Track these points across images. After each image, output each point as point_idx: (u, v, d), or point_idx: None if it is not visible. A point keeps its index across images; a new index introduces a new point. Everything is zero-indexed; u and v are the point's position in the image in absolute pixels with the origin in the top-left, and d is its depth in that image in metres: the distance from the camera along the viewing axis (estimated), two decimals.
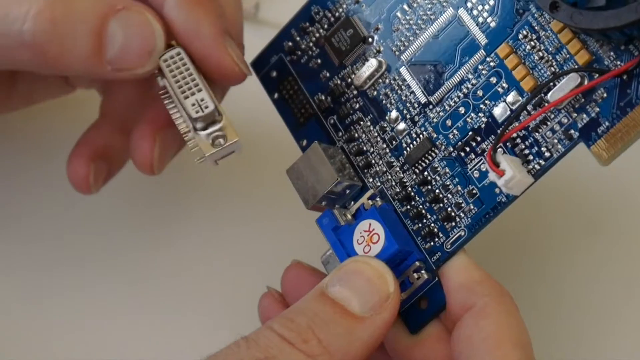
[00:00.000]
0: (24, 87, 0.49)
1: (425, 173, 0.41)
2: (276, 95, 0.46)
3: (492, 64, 0.40)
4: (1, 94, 0.48)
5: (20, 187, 0.53)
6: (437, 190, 0.41)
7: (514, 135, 0.39)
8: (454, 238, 0.40)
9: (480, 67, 0.40)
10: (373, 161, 0.42)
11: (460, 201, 0.40)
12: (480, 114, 0.40)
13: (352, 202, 0.42)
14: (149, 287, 0.50)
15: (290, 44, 0.45)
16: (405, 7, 0.42)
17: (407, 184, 0.41)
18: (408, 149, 0.42)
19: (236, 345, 0.37)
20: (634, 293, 0.46)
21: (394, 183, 0.42)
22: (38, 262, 0.51)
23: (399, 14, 0.43)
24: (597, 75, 0.38)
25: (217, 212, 0.51)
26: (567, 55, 0.39)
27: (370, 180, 0.42)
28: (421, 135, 0.41)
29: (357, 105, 0.43)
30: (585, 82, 0.38)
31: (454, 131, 0.41)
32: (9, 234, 0.52)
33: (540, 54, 0.39)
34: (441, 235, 0.40)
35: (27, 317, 0.50)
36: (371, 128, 0.43)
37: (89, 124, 0.48)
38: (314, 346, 0.37)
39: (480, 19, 0.41)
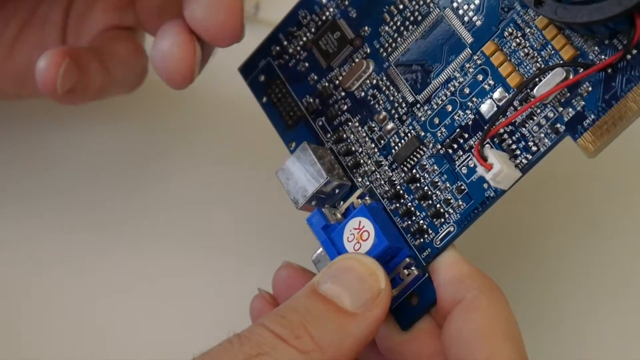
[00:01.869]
0: (22, 59, 0.48)
1: (414, 171, 0.41)
2: (264, 99, 0.46)
3: (478, 61, 0.41)
4: None
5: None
6: (426, 188, 0.41)
7: (501, 130, 0.39)
8: (443, 234, 0.40)
9: (466, 65, 0.41)
10: (362, 161, 0.43)
11: (449, 197, 0.40)
12: (467, 111, 0.41)
13: (342, 202, 0.43)
14: (140, 286, 0.50)
15: (278, 48, 0.46)
16: (392, 8, 0.43)
17: (396, 182, 0.42)
18: (396, 147, 0.42)
19: (229, 342, 0.37)
20: (628, 290, 0.47)
21: (382, 182, 0.42)
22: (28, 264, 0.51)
23: (385, 15, 0.43)
24: (582, 69, 0.38)
25: (207, 213, 0.51)
26: (552, 51, 0.39)
27: (359, 179, 0.43)
28: (409, 134, 0.42)
29: (345, 107, 0.44)
30: (571, 77, 0.38)
31: (442, 129, 0.41)
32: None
33: (526, 50, 0.40)
34: (430, 231, 0.41)
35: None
36: (359, 128, 0.43)
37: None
38: (306, 342, 0.37)
39: (466, 18, 0.41)
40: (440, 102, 0.41)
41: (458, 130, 0.41)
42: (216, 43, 0.44)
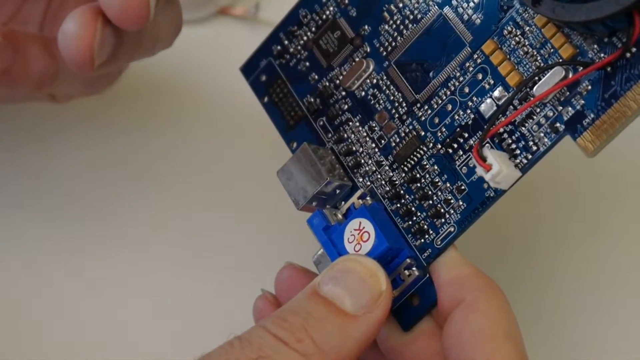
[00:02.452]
0: None
1: (414, 171, 0.41)
2: (266, 99, 0.46)
3: (478, 60, 0.40)
4: None
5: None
6: (426, 188, 0.41)
7: (501, 130, 0.39)
8: (444, 234, 0.40)
9: (466, 64, 0.41)
10: (362, 161, 0.43)
11: (449, 197, 0.40)
12: (467, 111, 0.40)
13: (343, 202, 0.42)
14: (141, 287, 0.50)
15: (279, 47, 0.46)
16: (392, 7, 0.43)
17: (397, 182, 0.42)
18: (397, 147, 0.42)
19: (230, 344, 0.37)
20: (628, 289, 0.47)
21: (383, 182, 0.42)
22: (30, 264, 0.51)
23: (385, 14, 0.43)
24: (581, 68, 0.38)
25: (207, 214, 0.51)
26: (552, 50, 0.39)
27: (360, 179, 0.42)
28: (410, 134, 0.42)
29: (346, 106, 0.43)
30: (570, 75, 0.38)
31: (442, 128, 0.41)
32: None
33: (525, 49, 0.39)
34: (431, 231, 0.40)
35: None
36: (360, 128, 0.43)
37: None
38: (308, 345, 0.37)
39: (466, 17, 0.41)
40: (440, 102, 0.41)
41: (458, 129, 0.40)
42: (121, 24, 0.41)
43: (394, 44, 0.43)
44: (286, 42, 0.46)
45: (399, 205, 0.41)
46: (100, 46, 0.41)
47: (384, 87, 0.43)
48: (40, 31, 0.49)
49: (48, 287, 0.50)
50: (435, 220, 0.40)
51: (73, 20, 0.41)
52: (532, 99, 0.39)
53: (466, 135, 0.40)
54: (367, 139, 0.43)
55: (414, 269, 0.40)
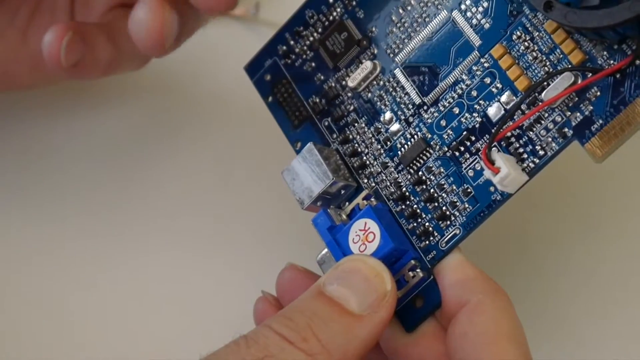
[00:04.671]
0: (35, 45, 0.48)
1: (420, 173, 0.41)
2: (270, 99, 0.46)
3: (486, 64, 0.41)
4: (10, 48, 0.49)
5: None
6: (432, 190, 0.41)
7: (509, 134, 0.40)
8: (449, 236, 0.40)
9: (474, 67, 0.41)
10: (368, 162, 0.43)
11: (455, 200, 0.40)
12: (474, 114, 0.41)
13: (347, 203, 0.43)
14: (144, 287, 0.50)
15: (284, 47, 0.46)
16: (400, 9, 0.43)
17: (402, 184, 0.42)
18: (403, 149, 0.42)
19: (235, 344, 0.37)
20: (630, 291, 0.47)
21: (388, 183, 0.42)
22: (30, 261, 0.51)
23: (393, 17, 0.43)
24: (590, 74, 0.38)
25: (212, 213, 0.51)
26: (561, 55, 0.39)
27: (365, 180, 0.43)
28: (415, 136, 0.42)
29: (352, 107, 0.44)
30: (579, 81, 0.38)
31: (449, 131, 0.41)
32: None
33: (534, 54, 0.40)
34: (436, 234, 0.41)
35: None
36: (365, 129, 0.43)
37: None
38: (313, 345, 0.37)
39: (474, 21, 0.41)
40: (447, 105, 0.41)
41: (465, 133, 0.41)
42: (207, 9, 0.45)
43: (401, 46, 0.43)
44: (292, 42, 0.46)
45: (404, 206, 0.41)
46: (169, 29, 0.45)
47: (391, 89, 0.43)
48: (70, 17, 0.50)
49: (49, 287, 0.50)
50: (440, 222, 0.41)
51: (143, 7, 0.45)
52: (540, 103, 0.39)
53: (473, 138, 0.40)
54: (373, 140, 0.43)
55: (418, 270, 0.40)
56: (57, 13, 0.50)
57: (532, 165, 0.39)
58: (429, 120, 0.42)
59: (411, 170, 0.42)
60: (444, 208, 0.41)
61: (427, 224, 0.41)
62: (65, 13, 0.50)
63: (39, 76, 0.50)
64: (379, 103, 0.43)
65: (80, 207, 0.52)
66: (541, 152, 0.39)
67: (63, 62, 0.46)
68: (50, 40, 0.46)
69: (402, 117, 0.42)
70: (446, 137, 0.41)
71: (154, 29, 0.45)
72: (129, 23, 0.46)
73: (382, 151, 0.43)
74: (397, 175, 0.42)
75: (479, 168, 0.40)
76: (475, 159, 0.40)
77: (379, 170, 0.42)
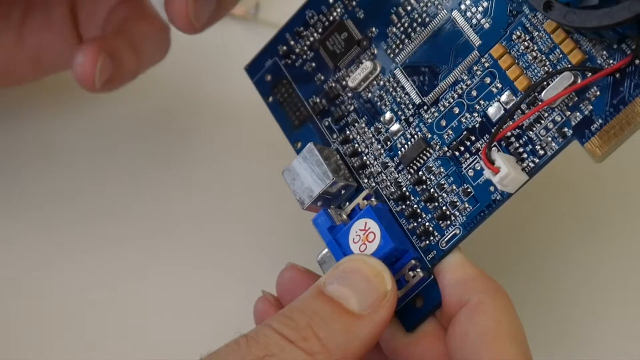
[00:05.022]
0: (32, 42, 0.49)
1: (420, 173, 0.42)
2: (271, 99, 0.46)
3: (486, 64, 0.41)
4: (8, 48, 0.48)
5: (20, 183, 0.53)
6: (432, 190, 0.41)
7: (508, 133, 0.40)
8: (449, 236, 0.40)
9: (474, 67, 0.41)
10: (368, 162, 0.43)
11: (455, 200, 0.40)
12: (474, 114, 0.41)
13: (347, 203, 0.43)
14: (145, 287, 0.50)
15: (284, 47, 0.46)
16: (400, 9, 0.43)
17: (402, 183, 0.42)
18: (403, 149, 0.42)
19: (236, 343, 0.37)
20: (631, 291, 0.47)
21: (389, 183, 0.42)
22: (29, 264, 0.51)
23: (393, 17, 0.43)
24: (590, 73, 0.38)
25: (213, 213, 0.52)
26: (560, 55, 0.39)
27: (365, 180, 0.43)
28: (416, 136, 0.42)
29: (352, 107, 0.44)
30: (579, 81, 0.38)
31: (449, 131, 0.41)
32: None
33: (534, 54, 0.40)
34: (436, 233, 0.41)
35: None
36: (366, 129, 0.43)
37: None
38: (314, 344, 0.37)
39: (474, 21, 0.41)
40: (447, 105, 0.41)
41: (465, 132, 0.41)
42: None
43: (401, 46, 0.43)
44: (292, 42, 0.46)
45: (404, 206, 0.42)
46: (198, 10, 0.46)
47: (391, 89, 0.43)
48: (71, 11, 0.50)
49: (51, 288, 0.50)
50: (440, 222, 0.41)
51: None
52: (540, 103, 0.39)
53: (473, 138, 0.41)
54: (373, 140, 0.43)
55: (418, 270, 0.40)
56: (53, 10, 0.50)
57: (532, 164, 0.39)
58: (429, 120, 0.42)
59: (411, 170, 0.42)
60: (444, 208, 0.41)
61: (427, 223, 0.41)
62: (62, 9, 0.50)
63: (39, 71, 0.51)
64: (379, 103, 0.43)
65: (81, 207, 0.52)
66: (541, 152, 0.39)
67: (97, 85, 0.47)
68: (83, 62, 0.46)
69: (402, 117, 0.42)
70: (446, 137, 0.41)
71: (182, 9, 0.46)
72: (166, 10, 0.46)
73: (382, 151, 0.43)
74: (397, 175, 0.42)
75: (479, 168, 0.40)
76: (475, 158, 0.40)
77: (379, 170, 0.42)
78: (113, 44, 0.47)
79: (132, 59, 0.48)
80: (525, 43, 0.40)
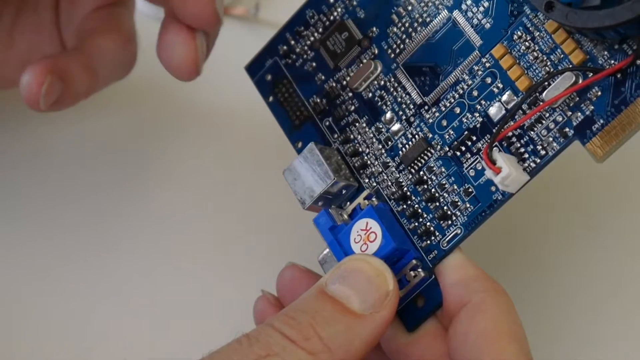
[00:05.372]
0: (22, 45, 0.49)
1: (421, 172, 0.42)
2: (271, 99, 0.46)
3: (487, 64, 0.41)
4: None
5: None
6: (433, 189, 0.41)
7: (510, 134, 0.40)
8: (450, 236, 0.40)
9: (475, 67, 0.41)
10: (369, 162, 0.43)
11: (456, 199, 0.41)
12: (475, 114, 0.41)
13: (349, 203, 0.43)
14: (146, 287, 0.50)
15: (285, 47, 0.46)
16: (400, 9, 0.43)
17: (403, 183, 0.42)
18: (404, 149, 0.42)
19: (238, 342, 0.37)
20: (631, 291, 0.47)
21: (390, 183, 0.42)
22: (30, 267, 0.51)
23: (394, 17, 0.43)
24: (591, 74, 0.38)
25: (214, 212, 0.52)
26: (562, 55, 0.39)
27: (367, 180, 0.43)
28: (417, 136, 0.42)
29: (353, 107, 0.44)
30: (580, 81, 0.38)
31: (450, 131, 0.41)
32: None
33: (535, 54, 0.40)
34: (437, 233, 0.41)
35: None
36: (367, 129, 0.43)
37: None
38: (316, 344, 0.37)
39: (475, 21, 0.41)
40: (448, 105, 0.41)
41: (466, 132, 0.41)
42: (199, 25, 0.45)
43: (402, 46, 0.43)
44: (292, 42, 0.46)
45: (405, 206, 0.42)
46: (202, 54, 0.46)
47: (392, 89, 0.43)
48: (55, 16, 0.50)
49: (50, 288, 0.50)
50: (441, 222, 0.41)
51: (176, 38, 0.46)
52: (541, 103, 0.39)
53: (474, 138, 0.41)
54: (374, 140, 0.43)
55: (419, 270, 0.40)
56: (41, 12, 0.50)
57: (533, 165, 0.39)
58: (430, 120, 0.42)
59: (412, 170, 0.42)
60: (445, 208, 0.41)
61: (428, 223, 0.41)
62: (49, 12, 0.50)
63: None
64: (379, 103, 0.43)
65: (81, 207, 0.52)
66: (542, 152, 0.39)
67: (42, 106, 0.46)
68: (29, 83, 0.46)
69: (403, 117, 0.42)
70: (447, 137, 0.41)
71: (189, 60, 0.46)
72: (159, 50, 0.46)
73: (383, 151, 0.43)
74: (398, 175, 0.42)
75: (480, 168, 0.40)
76: (477, 158, 0.40)
77: (380, 170, 0.42)
78: (64, 64, 0.47)
79: (84, 79, 0.47)
80: (527, 43, 0.40)
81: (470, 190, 0.40)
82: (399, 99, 0.43)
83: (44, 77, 0.46)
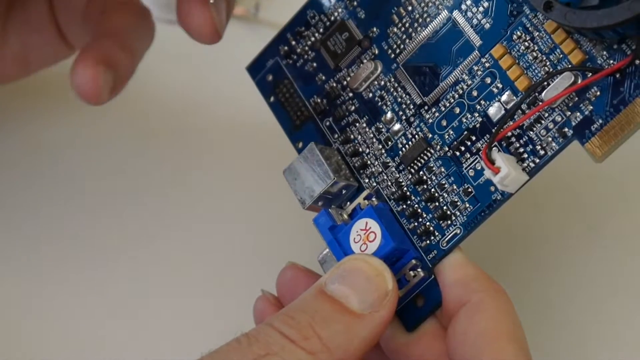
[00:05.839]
0: (15, 41, 0.49)
1: (421, 172, 0.42)
2: (272, 99, 0.46)
3: (486, 64, 0.41)
4: None
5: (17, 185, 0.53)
6: (433, 189, 0.41)
7: (509, 134, 0.40)
8: (449, 236, 0.40)
9: (475, 67, 0.41)
10: (369, 162, 0.43)
11: (456, 199, 0.41)
12: (475, 114, 0.41)
13: (348, 203, 0.43)
14: (146, 287, 0.50)
15: (286, 48, 0.46)
16: (400, 10, 0.43)
17: (403, 183, 0.42)
18: (404, 149, 0.42)
19: (237, 341, 0.37)
20: (631, 291, 0.47)
21: (389, 183, 0.42)
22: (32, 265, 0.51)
23: (394, 17, 0.43)
24: (590, 74, 0.38)
25: (214, 212, 0.52)
26: (561, 55, 0.39)
27: (366, 180, 0.43)
28: (417, 136, 0.42)
29: (353, 107, 0.44)
30: (579, 81, 0.39)
31: (449, 131, 0.41)
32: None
33: (534, 54, 0.40)
34: (437, 233, 0.41)
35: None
36: (367, 129, 0.43)
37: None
38: (315, 343, 0.37)
39: (475, 21, 0.41)
40: (448, 105, 0.42)
41: (465, 132, 0.41)
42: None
43: (402, 46, 0.43)
44: (293, 42, 0.46)
45: (405, 206, 0.42)
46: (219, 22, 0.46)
47: (392, 89, 0.43)
48: (49, 7, 0.50)
49: (49, 288, 0.50)
50: (441, 222, 0.41)
51: (194, 8, 0.46)
52: (540, 103, 0.39)
53: (474, 138, 0.41)
54: (374, 140, 0.43)
55: (419, 270, 0.40)
56: (34, 8, 0.50)
57: (532, 164, 0.39)
58: (430, 120, 0.42)
59: (412, 170, 0.42)
60: (444, 208, 0.41)
61: (427, 223, 0.41)
62: (43, 6, 0.50)
63: (24, 70, 0.50)
64: (380, 103, 0.43)
65: (78, 205, 0.52)
66: (541, 152, 0.39)
67: (104, 98, 0.46)
68: (84, 78, 0.45)
69: (403, 117, 0.43)
70: (447, 137, 0.41)
71: (208, 27, 0.46)
72: (179, 19, 0.46)
73: (383, 151, 0.43)
74: (398, 175, 0.42)
75: (479, 168, 0.40)
76: (476, 158, 0.40)
77: (380, 170, 0.43)
78: (106, 52, 0.47)
79: (127, 59, 0.48)
80: (526, 43, 0.40)
81: (469, 190, 0.40)
82: (399, 99, 0.43)
83: (95, 70, 0.46)
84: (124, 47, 0.47)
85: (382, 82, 0.43)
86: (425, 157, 0.42)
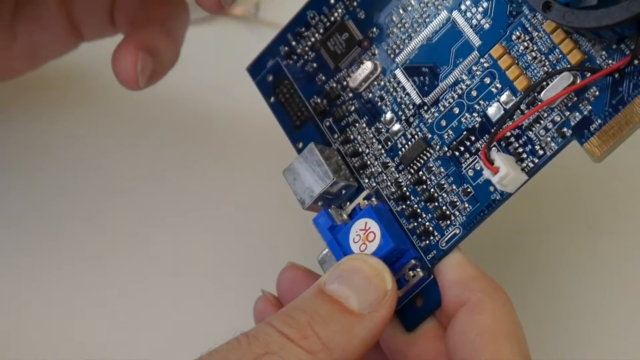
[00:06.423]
0: (24, 38, 0.49)
1: (420, 173, 0.42)
2: (272, 99, 0.46)
3: (485, 64, 0.41)
4: (1, 46, 0.48)
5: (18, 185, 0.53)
6: (432, 190, 0.41)
7: (508, 133, 0.40)
8: (449, 236, 0.41)
9: (474, 68, 0.41)
10: (368, 162, 0.43)
11: (455, 200, 0.41)
12: (474, 114, 0.41)
13: (348, 203, 0.43)
14: (146, 286, 0.50)
15: (286, 48, 0.46)
16: (400, 10, 0.43)
17: (403, 183, 0.42)
18: (403, 149, 0.42)
19: (237, 341, 0.37)
20: (630, 290, 0.47)
21: (389, 183, 0.42)
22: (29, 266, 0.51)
23: (393, 17, 0.43)
24: (589, 74, 0.38)
25: (214, 212, 0.52)
26: (560, 55, 0.39)
27: (366, 180, 0.43)
28: (416, 136, 0.42)
29: (353, 108, 0.44)
30: (578, 81, 0.39)
31: (449, 131, 0.41)
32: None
33: (534, 54, 0.40)
34: (436, 233, 0.41)
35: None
36: (366, 130, 0.43)
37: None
38: (314, 342, 0.37)
39: (474, 21, 0.41)
40: (447, 105, 0.42)
41: (465, 132, 0.41)
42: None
43: (402, 46, 0.43)
44: (294, 43, 0.46)
45: (404, 206, 0.42)
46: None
47: (392, 90, 0.43)
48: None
49: (50, 290, 0.50)
50: (440, 222, 0.41)
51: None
52: (539, 103, 0.39)
53: (473, 138, 0.41)
54: (374, 140, 0.43)
55: (418, 270, 0.41)
56: (43, 5, 0.50)
57: (531, 164, 0.39)
58: (430, 120, 0.42)
59: (411, 170, 0.42)
60: (444, 208, 0.41)
61: (427, 223, 0.41)
62: (55, 3, 0.50)
63: (32, 64, 0.51)
64: (379, 103, 0.43)
65: (78, 205, 0.52)
66: (540, 152, 0.39)
67: (141, 84, 0.47)
68: (124, 63, 0.46)
69: (403, 117, 0.43)
70: (446, 137, 0.41)
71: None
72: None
73: (382, 151, 0.43)
74: (397, 175, 0.42)
75: (478, 168, 0.40)
76: (475, 158, 0.40)
77: (380, 170, 0.43)
78: (149, 38, 0.47)
79: (170, 46, 0.48)
80: (525, 43, 0.40)
81: (469, 190, 0.40)
82: (399, 100, 0.43)
83: (136, 56, 0.46)
84: (168, 34, 0.48)
85: (382, 83, 0.43)
86: (425, 157, 0.42)
